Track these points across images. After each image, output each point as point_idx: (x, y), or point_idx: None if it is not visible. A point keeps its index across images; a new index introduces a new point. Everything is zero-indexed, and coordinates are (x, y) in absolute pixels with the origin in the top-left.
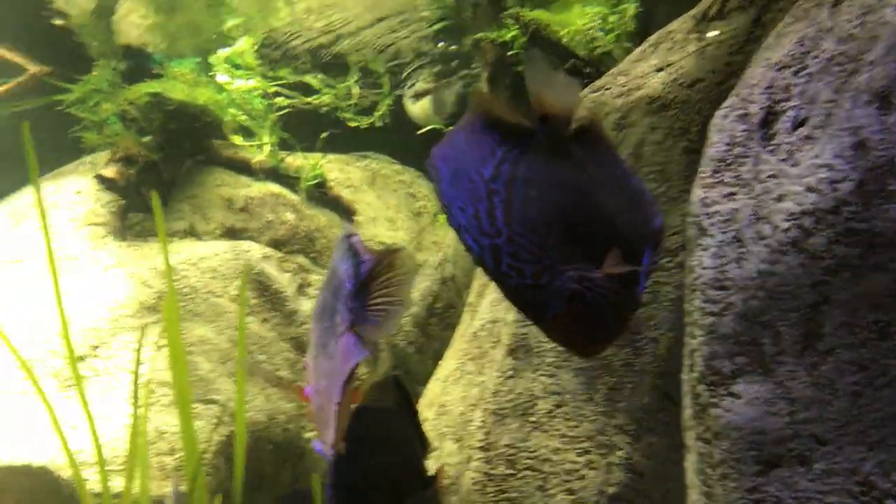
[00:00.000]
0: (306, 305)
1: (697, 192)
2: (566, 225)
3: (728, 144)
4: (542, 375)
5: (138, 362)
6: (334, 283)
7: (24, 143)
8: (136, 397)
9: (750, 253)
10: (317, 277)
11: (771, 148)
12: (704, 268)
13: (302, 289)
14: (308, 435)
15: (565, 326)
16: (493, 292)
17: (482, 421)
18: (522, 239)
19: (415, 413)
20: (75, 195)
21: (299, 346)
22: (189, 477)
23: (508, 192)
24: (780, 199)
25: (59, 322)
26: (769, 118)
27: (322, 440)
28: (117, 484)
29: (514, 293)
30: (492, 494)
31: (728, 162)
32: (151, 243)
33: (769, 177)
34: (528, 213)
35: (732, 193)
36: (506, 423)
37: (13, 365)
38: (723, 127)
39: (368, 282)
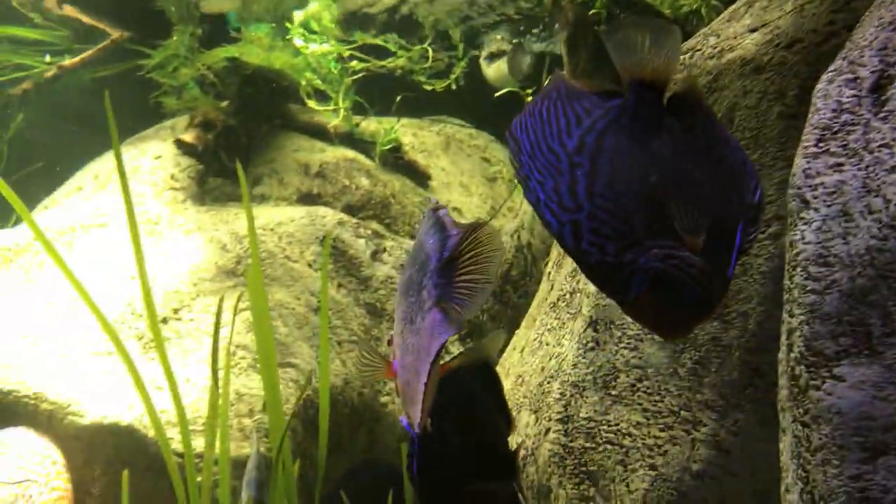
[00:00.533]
0: (381, 271)
1: (800, 163)
2: (654, 199)
3: (834, 111)
4: (624, 348)
5: (218, 325)
6: (421, 257)
7: (105, 108)
8: (214, 359)
9: (858, 228)
10: (391, 244)
11: (883, 115)
12: (806, 243)
13: (377, 255)
14: (383, 399)
15: (649, 307)
16: (572, 263)
17: (561, 393)
18: (605, 214)
19: (501, 390)
20: (155, 160)
21: (374, 311)
22: (274, 442)
23: (592, 165)
24: (892, 170)
25: (141, 285)
26: (881, 83)
27: (408, 416)
28: (200, 444)
29: (595, 271)
30: (570, 467)
31: (834, 130)
32: (230, 208)
33: (881, 146)
34: (613, 188)
35: (839, 164)
36: (585, 396)
37: (98, 326)
38: (828, 93)
39: (455, 257)
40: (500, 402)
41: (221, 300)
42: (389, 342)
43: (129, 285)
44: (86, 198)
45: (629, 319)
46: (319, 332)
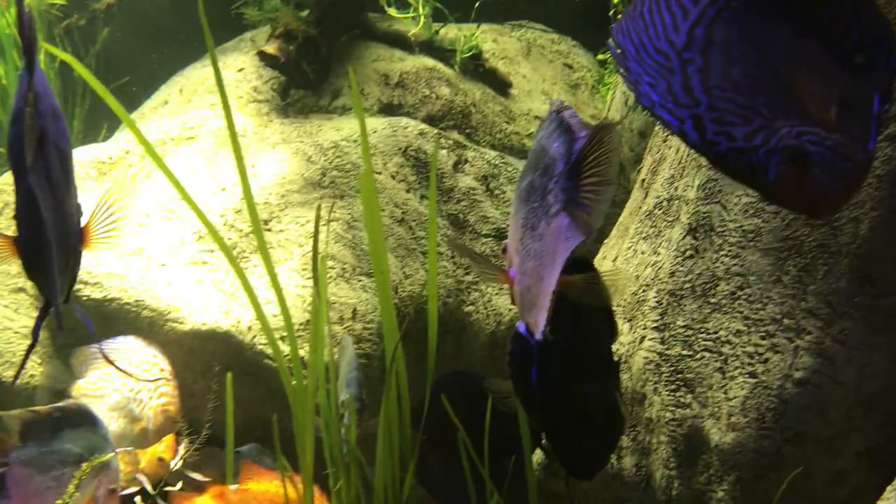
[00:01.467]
0: (463, 182)
1: None
2: (776, 80)
3: None
4: (724, 256)
5: (317, 233)
6: (544, 161)
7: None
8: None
9: None
10: (473, 154)
11: None
12: None
13: (458, 165)
14: (467, 309)
15: (792, 186)
16: (668, 169)
17: (657, 301)
18: (726, 102)
19: (608, 298)
20: (238, 73)
21: (457, 223)
22: (388, 346)
23: (705, 58)
24: None
25: (232, 196)
26: None
27: (528, 322)
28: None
29: (726, 160)
30: (666, 374)
31: None
32: (312, 120)
33: None
34: (730, 77)
35: None
36: (683, 304)
37: (192, 237)
38: None
39: (581, 160)
40: (606, 311)
41: (319, 209)
42: (504, 250)
43: (219, 197)
44: (172, 111)
45: (732, 226)
46: (405, 243)
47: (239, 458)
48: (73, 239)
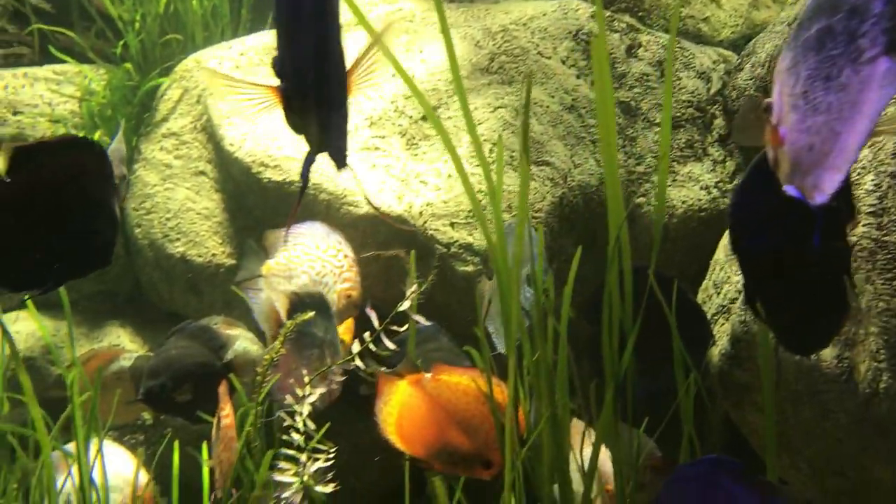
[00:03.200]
0: (636, 68)
1: None
2: None
3: None
4: None
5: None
6: (848, 2)
7: None
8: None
9: None
10: (647, 38)
11: None
12: None
13: (631, 50)
14: (639, 200)
15: None
16: None
17: (875, 184)
18: None
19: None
20: None
21: (628, 110)
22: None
23: None
24: None
25: (404, 84)
26: None
27: (805, 184)
28: (461, 235)
29: None
30: (882, 262)
31: None
32: (479, 4)
33: None
34: None
35: None
36: None
37: (365, 122)
38: None
39: None
40: (845, 190)
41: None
42: (766, 108)
43: (391, 83)
44: None
45: None
46: (575, 131)
47: (419, 334)
48: (339, 86)
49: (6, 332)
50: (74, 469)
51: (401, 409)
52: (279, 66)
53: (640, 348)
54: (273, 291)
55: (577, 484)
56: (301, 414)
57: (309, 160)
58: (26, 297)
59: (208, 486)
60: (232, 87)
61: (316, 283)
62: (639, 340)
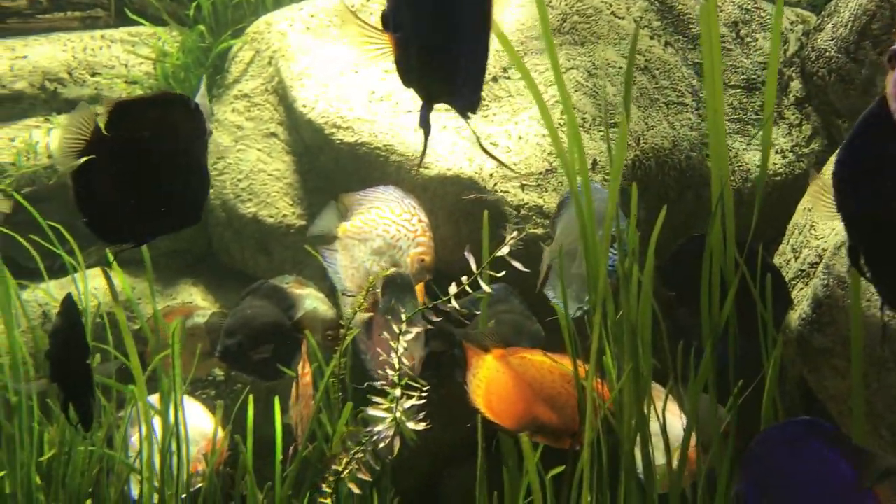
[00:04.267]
0: None
1: None
2: None
3: None
4: None
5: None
6: None
7: None
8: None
9: None
10: None
11: None
12: None
13: None
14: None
15: None
16: None
17: None
18: None
19: None
20: None
21: (702, 72)
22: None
23: None
24: None
25: None
26: None
27: None
28: (531, 197)
29: None
30: None
31: None
32: None
33: None
34: None
35: None
36: None
37: None
38: None
39: None
40: None
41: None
42: (891, 57)
43: None
44: None
45: None
46: (648, 93)
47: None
48: (474, 33)
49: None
50: (157, 420)
51: (488, 384)
52: (393, 17)
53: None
54: (347, 253)
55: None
56: (397, 352)
57: (426, 110)
58: (114, 254)
59: (282, 442)
60: (361, 27)
61: (390, 246)
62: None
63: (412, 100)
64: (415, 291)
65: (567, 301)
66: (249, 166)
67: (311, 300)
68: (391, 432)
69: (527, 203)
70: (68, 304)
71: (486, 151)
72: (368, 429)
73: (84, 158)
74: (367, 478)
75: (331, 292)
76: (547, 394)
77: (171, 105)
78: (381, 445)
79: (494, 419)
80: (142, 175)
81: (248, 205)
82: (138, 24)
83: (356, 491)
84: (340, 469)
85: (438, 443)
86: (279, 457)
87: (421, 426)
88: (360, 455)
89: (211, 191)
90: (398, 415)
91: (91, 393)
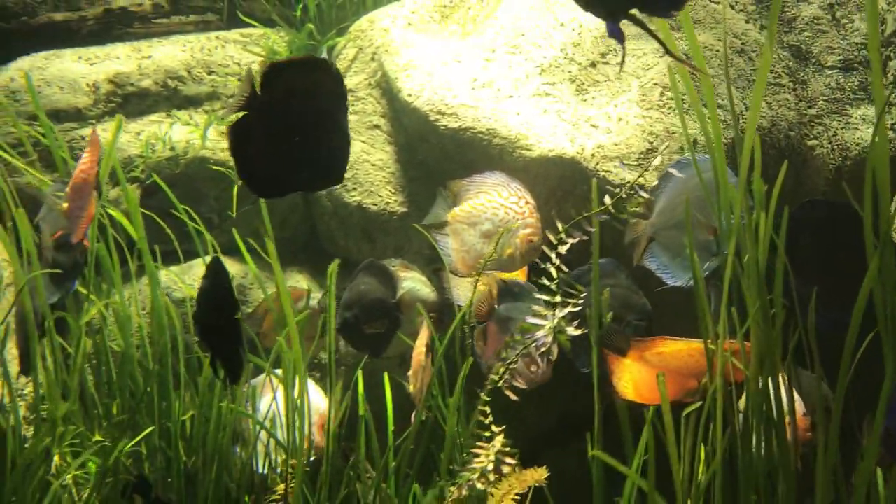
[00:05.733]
0: (807, 11)
1: None
2: None
3: None
4: None
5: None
6: None
7: None
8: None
9: None
10: None
11: None
12: None
13: None
14: (811, 143)
15: None
16: None
17: None
18: None
19: None
20: None
21: (798, 54)
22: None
23: None
24: None
25: (571, 31)
26: None
27: None
28: (632, 176)
29: None
30: None
31: None
32: None
33: None
34: None
35: None
36: None
37: (535, 70)
38: None
39: None
40: None
41: None
42: None
43: (559, 32)
44: None
45: None
46: (745, 75)
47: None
48: None
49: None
50: (280, 395)
51: (635, 384)
52: None
53: (828, 282)
54: (457, 237)
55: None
56: (553, 261)
57: (613, 25)
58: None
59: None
60: None
61: (499, 228)
62: (829, 274)
63: (512, 86)
64: (532, 299)
65: (677, 271)
66: (354, 157)
67: (412, 282)
68: (549, 338)
69: (628, 181)
70: (216, 263)
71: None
72: (528, 336)
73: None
74: (523, 385)
75: (436, 274)
76: (691, 371)
77: (317, 68)
78: (540, 351)
79: (654, 403)
80: (290, 132)
81: (353, 193)
82: (250, 25)
83: (513, 398)
84: (497, 378)
85: (538, 426)
86: (391, 427)
87: (578, 331)
88: (515, 364)
89: None
90: (557, 320)
91: (241, 344)
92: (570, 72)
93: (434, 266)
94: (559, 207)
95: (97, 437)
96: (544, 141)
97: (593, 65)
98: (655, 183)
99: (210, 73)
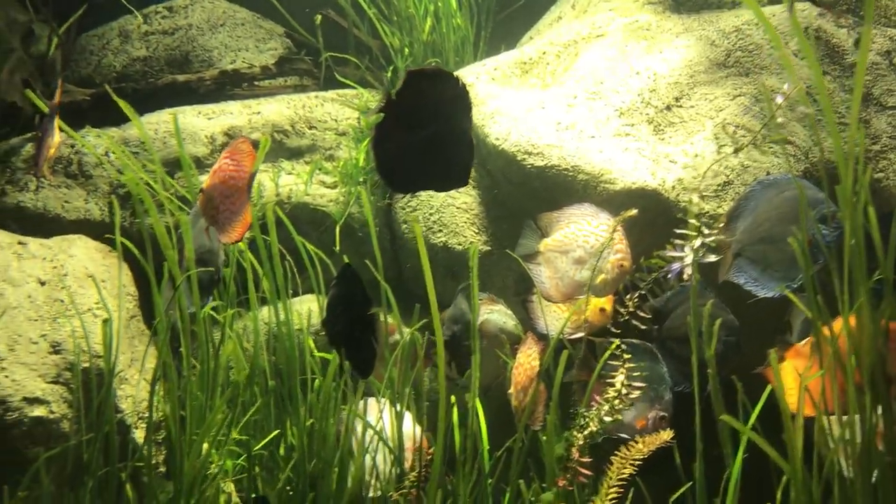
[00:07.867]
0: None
1: None
2: None
3: None
4: None
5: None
6: None
7: None
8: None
9: None
10: (873, 31)
11: None
12: None
13: (858, 43)
14: (877, 175)
15: None
16: None
17: None
18: None
19: None
20: None
21: (862, 96)
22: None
23: None
24: None
25: (646, 78)
26: None
27: None
28: (711, 206)
29: None
30: None
31: None
32: (705, 14)
33: None
34: None
35: None
36: None
37: (615, 113)
38: None
39: None
40: None
41: None
42: None
43: (634, 79)
44: (569, 23)
45: None
46: (811, 115)
47: (685, 291)
48: None
49: None
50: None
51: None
52: None
53: None
54: (550, 265)
55: None
56: (693, 198)
57: None
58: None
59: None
60: None
61: (591, 255)
62: None
63: (594, 128)
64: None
65: (767, 283)
66: (440, 202)
67: (500, 315)
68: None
69: (707, 211)
70: (346, 267)
71: None
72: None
73: (377, 115)
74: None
75: (526, 303)
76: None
77: (448, 80)
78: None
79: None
80: (421, 133)
81: (439, 235)
82: (345, 86)
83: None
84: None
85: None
86: (486, 446)
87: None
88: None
89: (404, 226)
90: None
91: (376, 336)
92: (647, 114)
93: (521, 297)
94: (640, 237)
95: (234, 435)
96: (627, 175)
97: (668, 108)
98: (733, 204)
99: (311, 127)
